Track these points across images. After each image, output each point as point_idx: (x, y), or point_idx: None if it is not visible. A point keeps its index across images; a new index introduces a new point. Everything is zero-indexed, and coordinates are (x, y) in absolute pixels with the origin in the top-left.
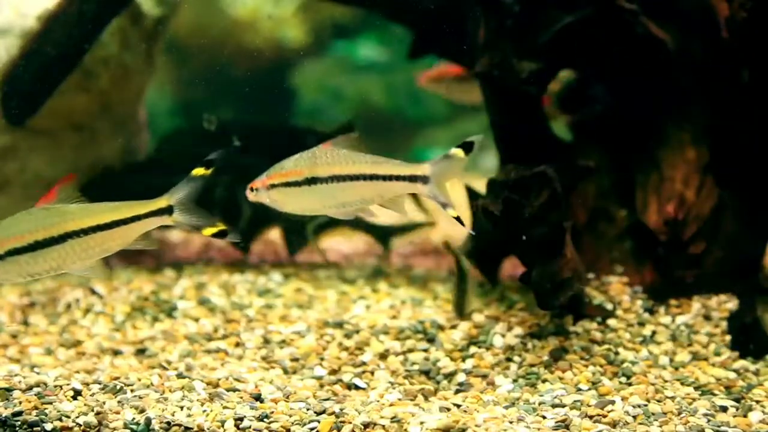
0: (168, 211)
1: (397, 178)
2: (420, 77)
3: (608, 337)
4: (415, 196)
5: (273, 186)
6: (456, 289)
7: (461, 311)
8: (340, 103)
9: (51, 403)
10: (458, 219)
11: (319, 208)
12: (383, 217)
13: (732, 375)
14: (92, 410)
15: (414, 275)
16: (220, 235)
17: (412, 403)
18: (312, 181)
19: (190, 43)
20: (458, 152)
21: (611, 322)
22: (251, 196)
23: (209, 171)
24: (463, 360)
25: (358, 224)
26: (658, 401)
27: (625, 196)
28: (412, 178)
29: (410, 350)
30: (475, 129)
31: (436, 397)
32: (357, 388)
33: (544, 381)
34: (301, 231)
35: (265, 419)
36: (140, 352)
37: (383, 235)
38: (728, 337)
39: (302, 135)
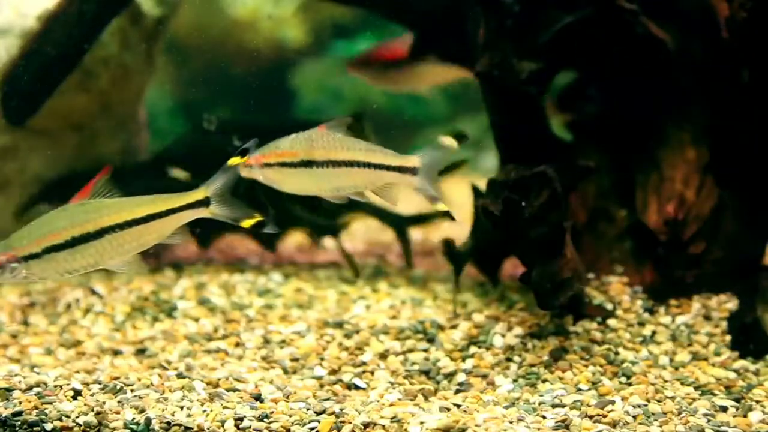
0: (205, 203)
1: (387, 167)
2: (347, 65)
3: (608, 337)
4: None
5: (268, 165)
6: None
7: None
8: (340, 103)
9: (51, 403)
10: (447, 213)
11: (313, 189)
12: (400, 205)
13: (732, 375)
14: (92, 410)
15: (414, 275)
16: (258, 226)
17: (412, 403)
18: (307, 163)
19: (190, 43)
20: (450, 142)
21: (611, 322)
22: (245, 172)
23: (244, 160)
24: (463, 360)
25: (374, 211)
26: (658, 401)
27: (625, 196)
28: (402, 169)
29: (410, 350)
30: (475, 129)
31: (436, 397)
32: (357, 388)
33: (544, 381)
34: (330, 230)
35: (265, 419)
36: (140, 352)
37: (398, 224)
38: (728, 337)
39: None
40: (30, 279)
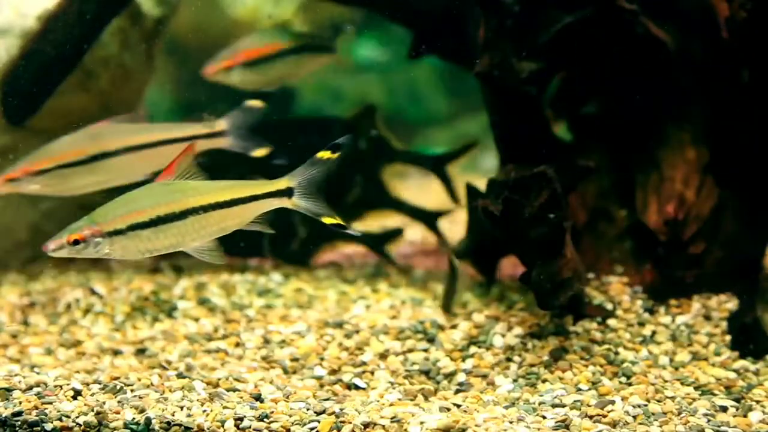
0: (287, 193)
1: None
2: (206, 70)
3: (608, 337)
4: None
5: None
6: (447, 286)
7: (447, 308)
8: (340, 103)
9: (51, 403)
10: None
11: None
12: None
13: (732, 375)
14: (92, 410)
15: (414, 275)
16: (339, 227)
17: (412, 403)
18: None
19: (190, 43)
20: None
21: (611, 322)
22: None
23: (335, 155)
24: (463, 360)
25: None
26: (658, 401)
27: (625, 196)
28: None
29: (410, 350)
30: (475, 129)
31: (436, 397)
32: (357, 388)
33: (544, 381)
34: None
35: (265, 419)
36: (140, 352)
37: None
38: (728, 337)
39: (328, 124)
40: (111, 255)
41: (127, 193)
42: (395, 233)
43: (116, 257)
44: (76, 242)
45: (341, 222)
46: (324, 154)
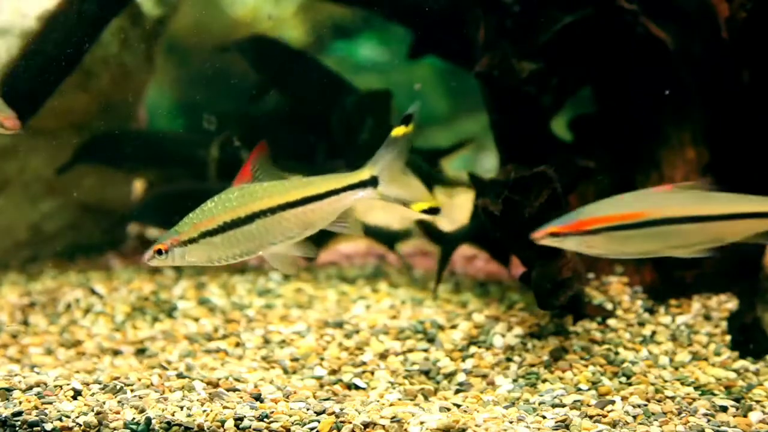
0: (372, 182)
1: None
2: None
3: (608, 337)
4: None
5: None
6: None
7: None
8: None
9: (51, 403)
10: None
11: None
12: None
13: (732, 375)
14: (92, 410)
15: (414, 275)
16: (431, 212)
17: (412, 403)
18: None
19: (190, 43)
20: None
21: (611, 322)
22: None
23: (410, 128)
24: (463, 360)
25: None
26: (658, 401)
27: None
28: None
29: (410, 350)
30: (475, 129)
31: (436, 397)
32: (357, 388)
33: (544, 381)
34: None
35: (265, 419)
36: (140, 352)
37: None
38: (728, 337)
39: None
40: (194, 263)
41: (208, 201)
42: (408, 233)
43: (200, 264)
44: (160, 252)
45: (435, 205)
46: (398, 131)
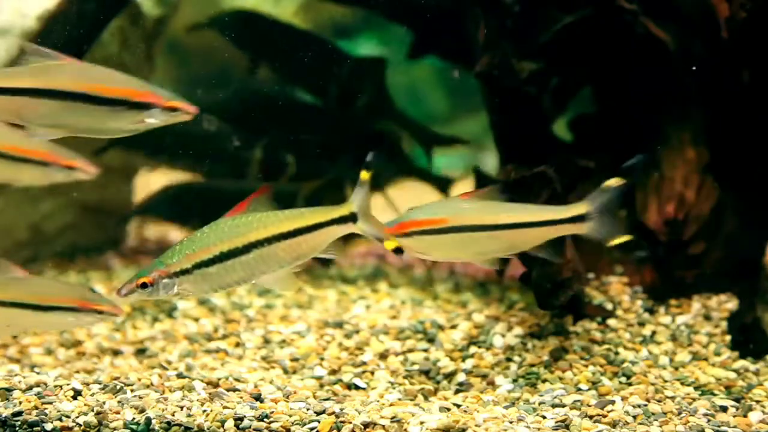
0: (351, 218)
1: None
2: None
3: (608, 337)
4: None
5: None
6: None
7: None
8: None
9: (51, 403)
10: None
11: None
12: None
13: (732, 375)
14: (92, 410)
15: (414, 275)
16: (397, 251)
17: (412, 403)
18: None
19: (190, 43)
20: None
21: (611, 322)
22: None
23: (371, 172)
24: (463, 360)
25: None
26: (658, 401)
27: (625, 196)
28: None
29: (410, 350)
30: (475, 129)
31: (436, 397)
32: (357, 388)
33: (544, 381)
34: None
35: (265, 419)
36: (140, 352)
37: None
38: (728, 337)
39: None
40: (184, 295)
41: (195, 232)
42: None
43: (190, 296)
44: (144, 285)
45: (400, 246)
46: (364, 174)
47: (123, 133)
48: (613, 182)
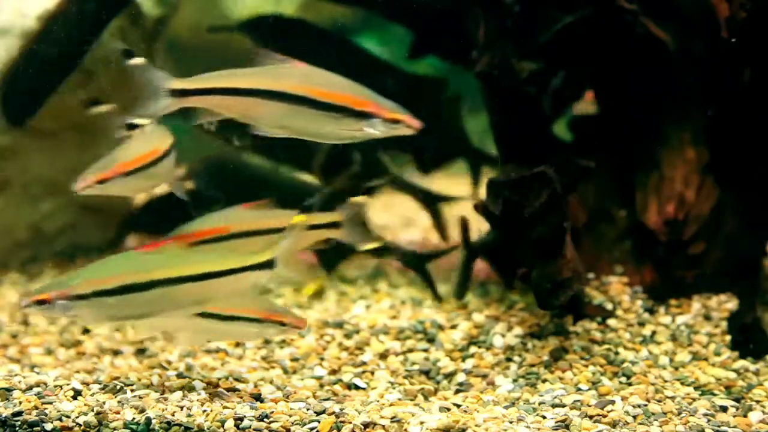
0: (268, 265)
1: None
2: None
3: (608, 337)
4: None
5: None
6: (460, 275)
7: (459, 295)
8: None
9: (51, 403)
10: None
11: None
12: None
13: (732, 375)
14: (92, 410)
15: (414, 276)
16: (315, 295)
17: (412, 403)
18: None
19: (190, 43)
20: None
21: (611, 322)
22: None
23: (304, 218)
24: (463, 360)
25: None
26: (658, 401)
27: (625, 196)
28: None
29: (410, 350)
30: (475, 128)
31: (436, 397)
32: (357, 388)
33: (544, 381)
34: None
35: (265, 419)
36: (140, 352)
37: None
38: (728, 337)
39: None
40: (81, 319)
41: (106, 258)
42: (440, 253)
43: (86, 323)
44: (41, 302)
45: (320, 289)
46: (297, 218)
47: (340, 139)
48: (360, 200)
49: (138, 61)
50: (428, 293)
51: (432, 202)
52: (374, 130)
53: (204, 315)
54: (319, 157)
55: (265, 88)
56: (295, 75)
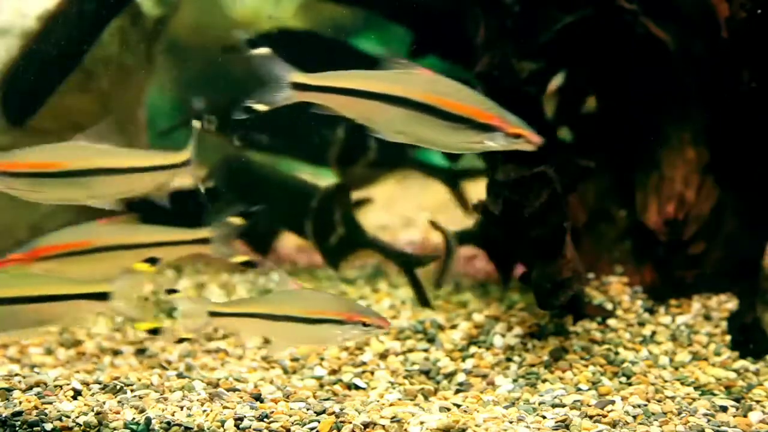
0: (103, 296)
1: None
2: None
3: (608, 337)
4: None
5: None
6: (441, 263)
7: (439, 284)
8: None
9: (51, 403)
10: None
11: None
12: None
13: (732, 375)
14: (92, 410)
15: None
16: (153, 332)
17: (412, 403)
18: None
19: (190, 43)
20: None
21: (611, 322)
22: None
23: (153, 269)
24: (463, 360)
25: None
26: (658, 401)
27: (625, 196)
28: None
29: (410, 350)
30: None
31: (436, 397)
32: (357, 388)
33: (544, 381)
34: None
35: (265, 419)
36: (140, 352)
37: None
38: (728, 337)
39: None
40: None
41: None
42: (433, 257)
43: None
44: None
45: (158, 327)
46: (142, 267)
47: (457, 150)
48: (235, 221)
49: (263, 50)
50: (419, 296)
51: (453, 180)
52: (494, 143)
53: (288, 318)
54: (335, 149)
55: (389, 93)
56: (420, 82)
